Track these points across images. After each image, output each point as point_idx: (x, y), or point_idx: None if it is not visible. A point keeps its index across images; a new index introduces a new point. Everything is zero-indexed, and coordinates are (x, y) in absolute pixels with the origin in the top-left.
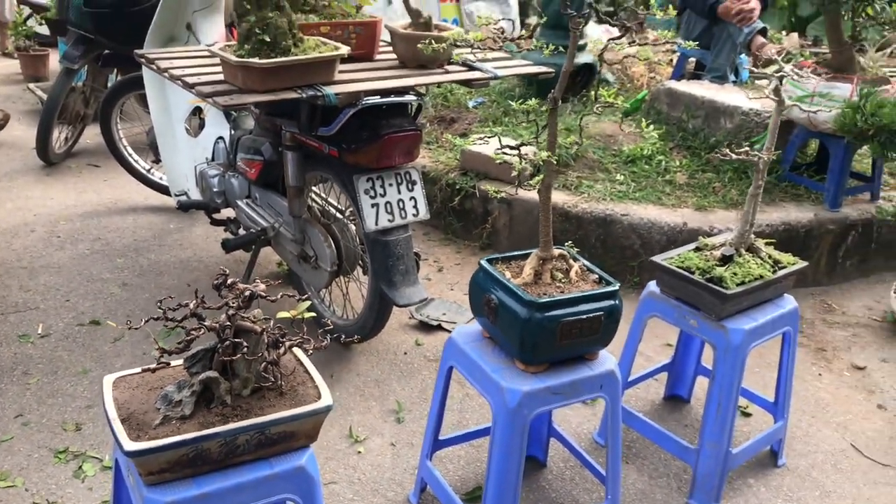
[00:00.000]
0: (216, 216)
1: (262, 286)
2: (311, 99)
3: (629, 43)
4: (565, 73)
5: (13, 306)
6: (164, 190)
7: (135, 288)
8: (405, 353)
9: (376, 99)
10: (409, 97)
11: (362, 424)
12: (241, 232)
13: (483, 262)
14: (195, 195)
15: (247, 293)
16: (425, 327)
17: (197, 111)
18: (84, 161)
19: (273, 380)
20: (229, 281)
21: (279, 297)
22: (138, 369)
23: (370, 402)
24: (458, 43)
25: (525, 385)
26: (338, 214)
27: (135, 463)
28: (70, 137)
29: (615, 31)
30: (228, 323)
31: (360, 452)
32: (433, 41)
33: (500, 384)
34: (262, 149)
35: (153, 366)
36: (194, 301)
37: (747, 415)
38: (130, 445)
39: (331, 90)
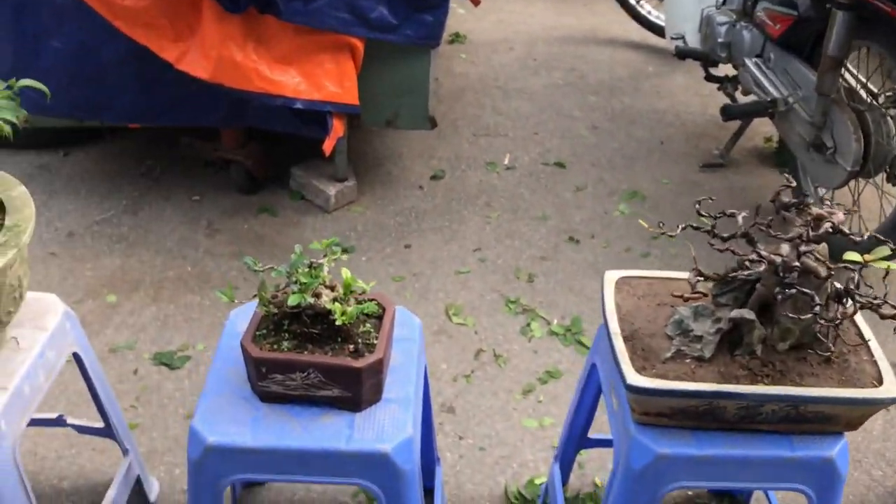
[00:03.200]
0: (713, 70)
1: (841, 215)
2: None
3: None
4: None
5: (485, 128)
6: (653, 28)
7: (604, 133)
8: None
9: None
10: None
11: None
12: (740, 97)
13: None
14: (693, 42)
15: (824, 225)
16: None
17: None
18: None
19: (826, 342)
20: (797, 199)
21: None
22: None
23: None
24: None
25: None
26: (872, 102)
27: (631, 398)
28: None
29: None
30: (797, 263)
31: None
32: None
33: None
34: (798, 0)
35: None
36: (743, 216)
37: None
38: (636, 380)
39: None
